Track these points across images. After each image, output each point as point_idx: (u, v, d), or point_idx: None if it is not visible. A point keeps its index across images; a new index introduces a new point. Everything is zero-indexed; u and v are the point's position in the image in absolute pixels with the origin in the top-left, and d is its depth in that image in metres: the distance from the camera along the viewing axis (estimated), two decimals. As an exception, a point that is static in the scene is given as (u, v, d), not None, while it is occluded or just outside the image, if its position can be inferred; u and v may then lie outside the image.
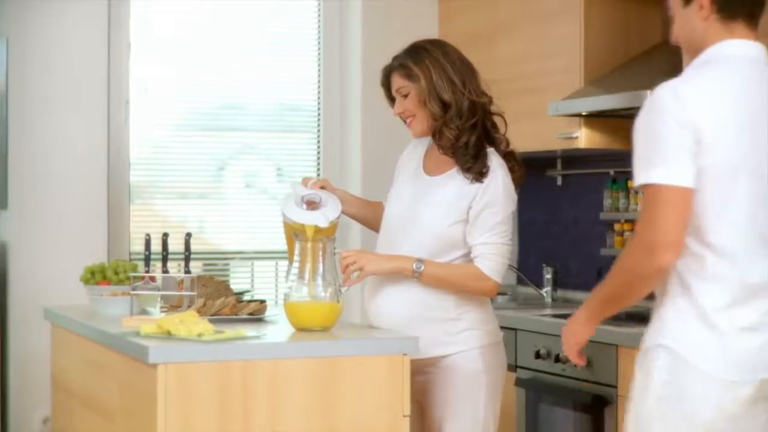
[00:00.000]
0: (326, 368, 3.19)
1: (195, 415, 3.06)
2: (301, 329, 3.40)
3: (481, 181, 3.42)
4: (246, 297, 4.15)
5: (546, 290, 5.42)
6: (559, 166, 5.51)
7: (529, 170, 5.70)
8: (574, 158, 5.39)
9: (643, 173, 2.76)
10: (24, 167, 5.19)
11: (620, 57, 4.79)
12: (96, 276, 4.13)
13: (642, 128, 2.77)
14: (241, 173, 5.76)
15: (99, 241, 5.26)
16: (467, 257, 3.46)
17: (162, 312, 3.70)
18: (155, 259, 3.82)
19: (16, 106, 5.20)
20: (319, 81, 5.79)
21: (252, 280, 5.86)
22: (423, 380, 3.51)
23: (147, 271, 3.69)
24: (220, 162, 5.73)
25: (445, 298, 3.46)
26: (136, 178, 5.59)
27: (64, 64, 5.24)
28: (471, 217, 3.42)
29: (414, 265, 3.40)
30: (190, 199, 5.75)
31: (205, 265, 5.73)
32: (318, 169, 5.78)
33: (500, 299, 5.49)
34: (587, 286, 5.27)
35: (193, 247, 5.60)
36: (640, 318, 4.61)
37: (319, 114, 5.79)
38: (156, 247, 3.76)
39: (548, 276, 5.43)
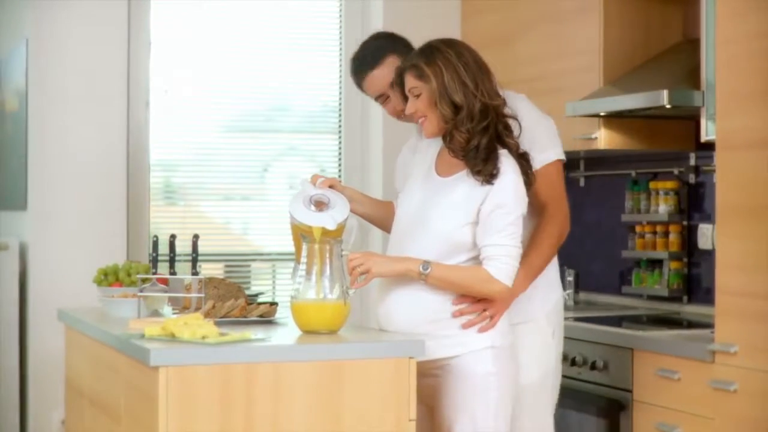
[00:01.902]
0: (331, 371, 3.15)
1: (197, 419, 3.04)
2: (308, 331, 3.37)
3: (492, 183, 3.37)
4: (262, 299, 4.14)
5: (568, 293, 5.36)
6: (581, 167, 5.45)
7: (552, 171, 5.70)
8: (596, 159, 5.34)
9: (554, 150, 3.68)
10: (43, 168, 5.19)
11: (640, 56, 4.72)
12: (109, 277, 4.12)
13: (543, 122, 3.75)
14: (283, 174, 5.77)
15: (118, 243, 5.24)
16: (477, 260, 3.41)
17: (174, 314, 3.68)
18: (172, 261, 3.81)
19: (35, 107, 5.20)
20: (340, 82, 5.76)
21: (274, 282, 5.85)
22: (432, 383, 3.46)
23: (154, 273, 3.67)
24: (248, 164, 5.72)
25: (455, 298, 3.42)
26: (181, 179, 5.63)
27: (83, 65, 5.23)
28: (481, 218, 3.37)
29: (420, 267, 3.36)
30: (235, 201, 5.75)
31: (227, 266, 5.73)
32: (340, 170, 5.75)
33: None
34: (609, 288, 5.22)
35: (240, 248, 5.72)
36: (657, 321, 4.57)
37: (340, 115, 5.76)
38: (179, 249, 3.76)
39: (570, 278, 5.36)
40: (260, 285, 5.79)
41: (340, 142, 5.77)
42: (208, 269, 5.68)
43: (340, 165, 5.76)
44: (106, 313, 3.91)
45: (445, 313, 3.42)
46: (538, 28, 5.10)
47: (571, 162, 5.46)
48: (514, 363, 3.50)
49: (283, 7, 5.69)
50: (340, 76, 5.75)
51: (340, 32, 5.75)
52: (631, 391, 4.03)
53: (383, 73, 3.77)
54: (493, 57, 5.32)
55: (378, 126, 5.65)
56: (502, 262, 3.35)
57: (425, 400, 3.49)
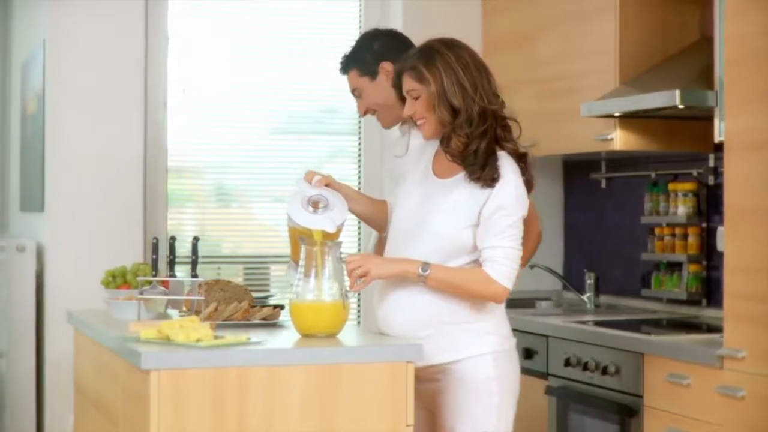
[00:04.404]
0: (326, 375, 3.11)
1: (189, 422, 3.00)
2: (306, 334, 3.33)
3: (492, 186, 3.31)
4: (275, 301, 4.11)
5: (588, 296, 5.30)
6: (603, 168, 5.38)
7: (574, 173, 5.66)
8: (617, 161, 5.27)
9: None
10: (60, 170, 5.19)
11: (657, 56, 4.65)
12: (117, 279, 4.11)
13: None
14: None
15: (135, 245, 5.23)
16: (478, 262, 3.36)
17: (181, 316, 3.65)
18: (171, 263, 3.78)
19: (52, 108, 5.19)
20: (358, 82, 5.71)
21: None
22: (433, 388, 3.42)
23: (154, 275, 3.64)
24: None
25: (456, 302, 3.36)
26: (233, 181, 5.66)
27: (101, 66, 5.22)
28: (482, 219, 3.32)
29: (420, 269, 3.31)
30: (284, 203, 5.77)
31: (246, 269, 5.72)
32: (359, 171, 5.71)
33: (544, 305, 5.39)
34: (629, 291, 5.15)
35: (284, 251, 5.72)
36: (676, 325, 4.49)
37: (359, 116, 5.70)
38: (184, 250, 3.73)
39: (590, 281, 5.30)
40: (280, 288, 5.76)
41: (359, 143, 5.73)
42: (232, 271, 5.70)
43: (359, 166, 5.72)
44: (112, 316, 3.89)
45: (445, 317, 3.37)
46: (557, 28, 5.04)
47: (591, 163, 5.41)
48: (515, 366, 3.45)
49: (302, 8, 5.65)
50: (358, 77, 5.71)
51: (359, 33, 5.70)
52: (641, 397, 3.97)
53: (348, 81, 3.97)
54: (512, 57, 5.32)
55: (396, 127, 5.59)
56: (501, 263, 3.30)
57: (426, 404, 3.45)
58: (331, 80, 5.66)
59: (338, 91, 5.70)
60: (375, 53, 3.89)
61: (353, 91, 3.97)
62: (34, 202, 5.43)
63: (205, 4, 5.55)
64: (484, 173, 3.31)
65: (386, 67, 3.85)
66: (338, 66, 3.97)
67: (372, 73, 3.89)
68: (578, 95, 4.78)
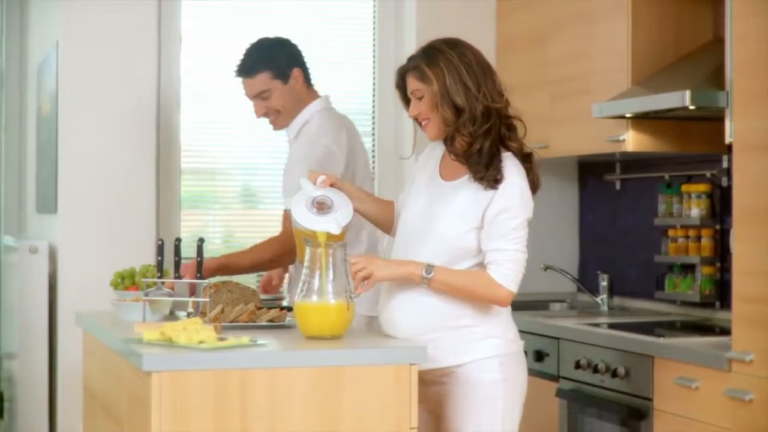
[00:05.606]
0: (329, 378, 3.09)
1: (190, 425, 2.99)
2: (311, 335, 3.32)
3: (496, 187, 3.29)
4: (285, 303, 4.10)
5: (601, 298, 5.26)
6: (617, 170, 5.35)
7: (588, 174, 5.62)
8: (632, 162, 5.24)
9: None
10: (73, 171, 5.18)
11: (670, 56, 4.62)
12: (125, 281, 4.10)
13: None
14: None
15: (147, 247, 5.22)
16: (483, 265, 3.33)
17: (189, 317, 3.65)
18: (177, 264, 3.77)
19: (66, 109, 5.20)
20: (374, 83, 5.70)
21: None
22: (439, 391, 3.40)
23: (160, 277, 3.63)
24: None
25: (461, 305, 3.34)
26: (258, 183, 5.67)
27: (114, 67, 5.22)
28: (486, 222, 3.30)
29: (423, 271, 3.29)
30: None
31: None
32: (373, 172, 5.69)
33: (558, 306, 5.36)
34: (643, 293, 5.12)
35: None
36: (689, 327, 4.46)
37: (374, 117, 5.70)
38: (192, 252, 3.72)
39: (604, 283, 5.26)
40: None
41: (373, 144, 5.72)
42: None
43: (373, 167, 5.71)
44: (120, 317, 3.89)
45: (450, 321, 3.35)
46: (570, 28, 5.01)
47: (606, 165, 5.38)
48: (522, 370, 3.43)
49: (316, 8, 5.64)
50: (374, 79, 5.70)
51: (374, 34, 5.70)
52: (651, 400, 3.93)
53: (255, 83, 4.13)
54: (525, 57, 5.29)
55: (411, 128, 5.58)
56: (505, 267, 3.28)
57: (431, 407, 3.43)
58: (346, 81, 5.68)
59: (353, 92, 5.73)
60: (288, 58, 4.14)
61: (260, 93, 4.11)
62: (48, 203, 5.44)
63: (218, 4, 5.54)
64: (488, 173, 3.29)
65: (295, 74, 4.13)
66: (237, 68, 4.14)
67: (284, 77, 4.12)
68: (590, 96, 4.75)
